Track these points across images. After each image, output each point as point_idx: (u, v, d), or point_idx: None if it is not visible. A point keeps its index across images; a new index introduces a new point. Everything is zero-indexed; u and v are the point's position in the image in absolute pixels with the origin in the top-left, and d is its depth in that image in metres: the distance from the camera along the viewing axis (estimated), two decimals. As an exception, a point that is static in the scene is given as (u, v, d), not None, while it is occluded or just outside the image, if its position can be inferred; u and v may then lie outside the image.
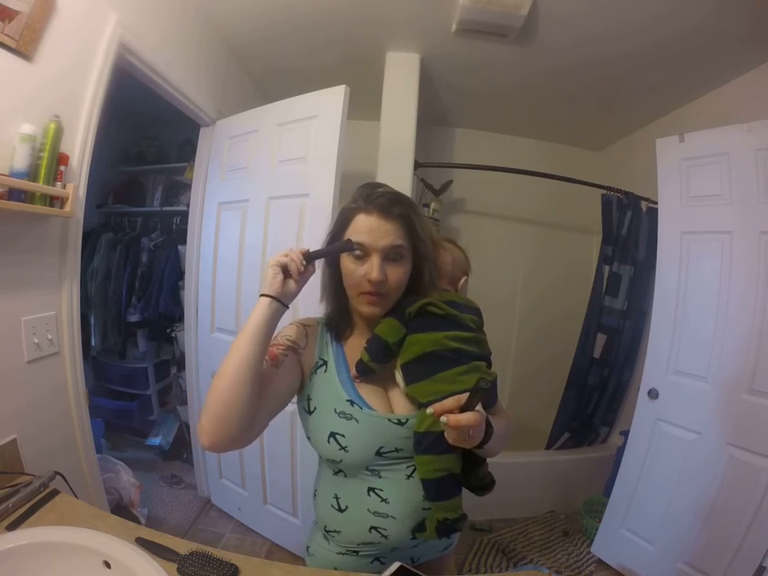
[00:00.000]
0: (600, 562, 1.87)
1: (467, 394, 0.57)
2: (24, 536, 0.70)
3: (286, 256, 0.66)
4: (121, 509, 1.71)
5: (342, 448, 0.70)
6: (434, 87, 2.21)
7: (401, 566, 0.67)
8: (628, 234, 2.20)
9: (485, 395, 0.57)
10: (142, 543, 0.72)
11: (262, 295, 0.66)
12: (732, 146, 1.52)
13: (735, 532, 1.42)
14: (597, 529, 1.93)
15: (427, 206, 2.44)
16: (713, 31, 1.56)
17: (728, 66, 1.77)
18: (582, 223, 2.82)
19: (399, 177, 1.94)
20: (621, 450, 1.93)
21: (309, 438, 0.76)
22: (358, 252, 0.70)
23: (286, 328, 0.79)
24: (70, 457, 1.21)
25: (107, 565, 0.67)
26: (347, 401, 0.71)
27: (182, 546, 0.73)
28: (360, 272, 0.70)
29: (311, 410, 0.74)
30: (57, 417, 1.18)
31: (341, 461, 0.71)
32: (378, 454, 0.71)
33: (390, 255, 0.70)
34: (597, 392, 2.30)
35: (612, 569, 1.82)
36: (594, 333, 2.27)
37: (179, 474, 2.34)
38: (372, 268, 0.69)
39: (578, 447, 2.38)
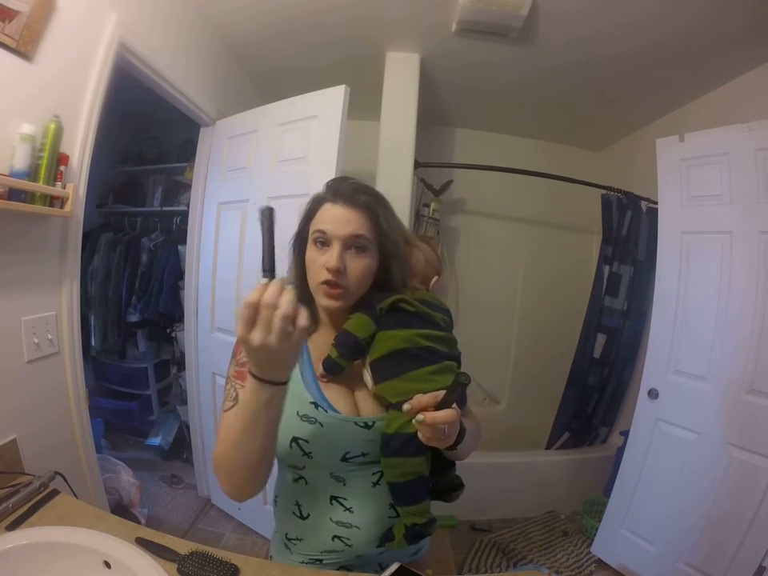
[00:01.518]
0: (600, 561, 1.87)
1: (443, 391, 0.56)
2: (24, 536, 0.70)
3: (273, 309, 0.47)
4: (121, 509, 1.71)
5: (306, 454, 0.66)
6: (433, 87, 2.21)
7: (401, 566, 0.66)
8: (628, 233, 2.19)
9: (463, 392, 0.55)
10: (142, 543, 0.72)
11: (259, 379, 0.52)
12: (732, 146, 1.52)
13: (735, 532, 1.42)
14: (597, 529, 1.93)
15: (427, 205, 2.44)
16: (713, 31, 1.56)
17: (728, 66, 1.77)
18: (582, 223, 2.82)
19: (399, 177, 1.94)
20: (621, 450, 1.93)
21: None
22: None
23: None
24: (70, 457, 1.21)
25: (107, 565, 0.67)
26: (311, 403, 0.67)
27: (182, 546, 0.72)
28: (320, 261, 0.68)
29: None
30: (57, 417, 1.18)
31: (303, 467, 0.68)
32: (344, 459, 0.67)
33: (352, 246, 0.68)
34: (597, 392, 2.30)
35: (612, 569, 1.82)
36: (594, 333, 2.27)
37: (179, 474, 2.34)
38: (331, 256, 0.66)
39: (578, 447, 2.38)
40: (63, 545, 0.69)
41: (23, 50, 0.96)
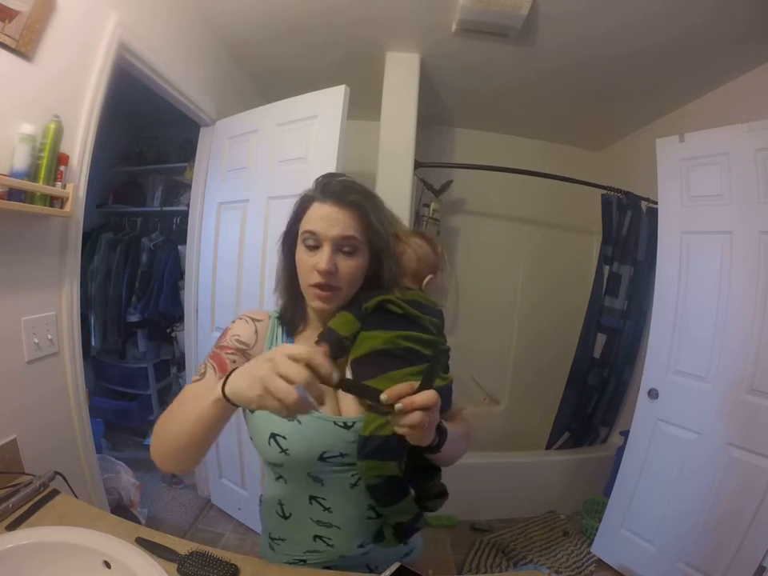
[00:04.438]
0: (600, 561, 1.87)
1: (420, 382, 0.51)
2: (24, 536, 0.70)
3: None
4: (121, 509, 1.71)
5: (283, 451, 0.65)
6: (433, 87, 2.20)
7: (401, 566, 0.66)
8: (628, 233, 2.19)
9: (448, 393, 0.52)
10: (142, 543, 0.72)
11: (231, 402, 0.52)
12: (732, 146, 1.52)
13: (735, 532, 1.42)
14: (597, 529, 1.93)
15: (427, 205, 2.44)
16: (713, 31, 1.56)
17: (728, 66, 1.77)
18: (581, 223, 2.82)
19: (399, 177, 1.94)
20: (621, 450, 1.93)
21: (251, 439, 0.71)
22: (310, 242, 0.68)
23: (235, 324, 0.74)
24: (70, 457, 1.21)
25: (107, 565, 0.67)
26: None
27: (182, 546, 0.72)
28: (311, 262, 0.67)
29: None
30: (57, 417, 1.18)
31: (281, 464, 0.67)
32: (321, 459, 0.66)
33: (342, 247, 0.67)
34: (597, 392, 2.30)
35: (612, 569, 1.82)
36: (594, 333, 2.27)
37: (179, 474, 2.33)
38: (321, 258, 0.65)
39: (578, 447, 2.38)
40: (63, 545, 0.68)
41: (23, 50, 0.96)
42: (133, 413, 2.67)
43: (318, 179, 0.73)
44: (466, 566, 1.83)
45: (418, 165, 2.05)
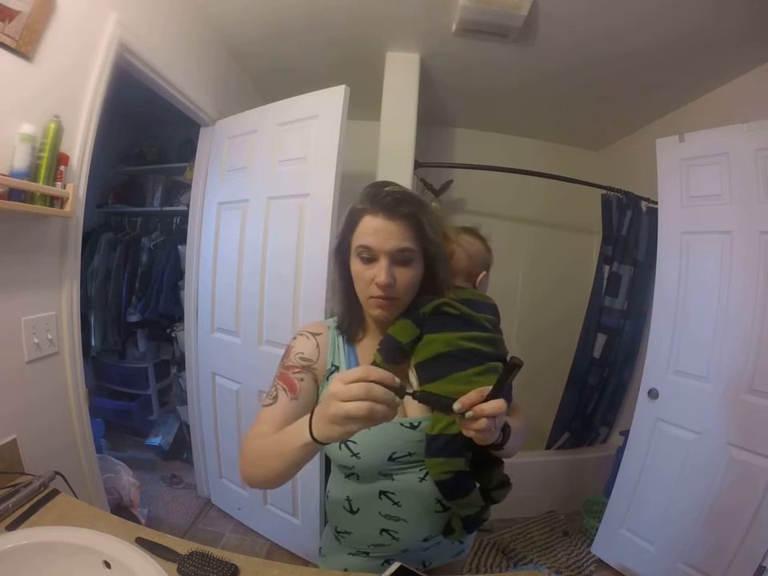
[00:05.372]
0: (600, 561, 1.87)
1: (490, 387, 0.54)
2: (24, 536, 0.70)
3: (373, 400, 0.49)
4: (121, 509, 1.71)
5: (354, 455, 0.69)
6: (434, 87, 2.20)
7: (401, 566, 0.66)
8: (628, 234, 2.19)
9: (509, 387, 0.55)
10: (142, 543, 0.72)
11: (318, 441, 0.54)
12: (732, 146, 1.52)
13: (735, 532, 1.42)
14: (597, 529, 1.93)
15: (427, 205, 2.44)
16: (713, 31, 1.56)
17: (728, 66, 1.77)
18: (582, 223, 2.82)
19: (399, 177, 1.94)
20: (621, 450, 1.93)
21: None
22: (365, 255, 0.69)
23: (297, 341, 0.77)
24: (70, 457, 1.21)
25: (107, 565, 0.67)
26: None
27: (182, 546, 0.72)
28: (368, 275, 0.68)
29: None
30: (57, 417, 1.18)
31: (353, 467, 0.71)
32: (391, 459, 0.69)
33: (398, 258, 0.68)
34: (597, 392, 2.30)
35: (612, 569, 1.82)
36: (593, 333, 2.27)
37: (179, 474, 2.34)
38: (380, 271, 0.67)
39: (578, 447, 2.38)
40: (63, 545, 0.68)
41: (23, 50, 0.96)
42: (133, 413, 2.68)
43: (365, 189, 0.73)
44: (466, 566, 1.82)
45: (417, 165, 2.05)
